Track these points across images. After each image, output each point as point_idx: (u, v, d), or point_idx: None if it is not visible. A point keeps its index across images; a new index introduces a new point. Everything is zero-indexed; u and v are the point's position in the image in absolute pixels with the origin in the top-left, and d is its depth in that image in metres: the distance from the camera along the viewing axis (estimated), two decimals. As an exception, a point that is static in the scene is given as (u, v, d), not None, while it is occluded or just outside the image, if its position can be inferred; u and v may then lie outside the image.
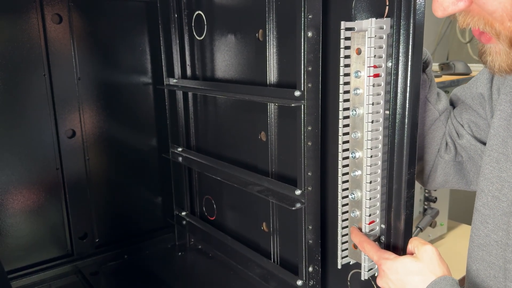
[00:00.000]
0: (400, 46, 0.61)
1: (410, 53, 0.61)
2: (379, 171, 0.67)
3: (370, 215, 0.68)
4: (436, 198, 1.37)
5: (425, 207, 1.39)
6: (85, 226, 1.19)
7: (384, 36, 0.63)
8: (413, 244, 0.63)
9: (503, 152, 0.61)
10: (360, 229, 0.70)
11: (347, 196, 0.72)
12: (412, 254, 0.63)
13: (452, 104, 0.79)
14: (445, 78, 1.65)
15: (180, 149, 1.16)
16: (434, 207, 1.38)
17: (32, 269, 1.12)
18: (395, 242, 0.67)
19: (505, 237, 0.60)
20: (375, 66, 0.63)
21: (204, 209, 1.21)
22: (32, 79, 1.06)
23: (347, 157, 0.70)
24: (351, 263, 0.76)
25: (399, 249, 0.66)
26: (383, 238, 0.70)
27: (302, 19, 0.71)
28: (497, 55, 0.51)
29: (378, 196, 0.68)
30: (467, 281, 0.69)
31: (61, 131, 1.11)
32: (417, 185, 0.70)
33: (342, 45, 0.65)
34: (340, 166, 0.70)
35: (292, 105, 0.75)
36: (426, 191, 1.39)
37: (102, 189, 1.21)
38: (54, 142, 1.11)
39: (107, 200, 1.22)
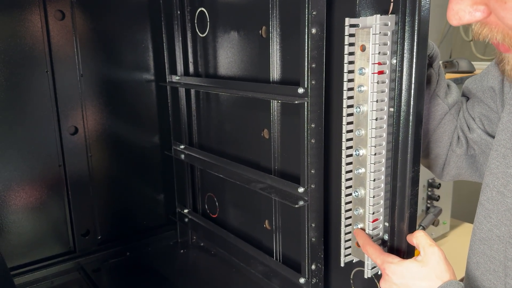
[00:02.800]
0: (405, 43, 0.61)
1: (415, 50, 0.60)
2: (383, 168, 0.67)
3: (373, 213, 0.68)
4: (439, 196, 1.37)
5: (428, 205, 1.38)
6: (87, 223, 1.19)
7: (389, 33, 0.63)
8: (420, 242, 0.62)
9: (510, 147, 0.60)
10: (364, 230, 0.70)
11: (350, 194, 0.72)
12: (415, 249, 0.62)
13: (465, 96, 0.78)
14: (449, 76, 1.64)
15: (182, 146, 1.16)
16: (437, 206, 1.37)
17: (34, 265, 1.12)
18: (398, 241, 0.67)
19: (507, 233, 0.60)
20: (379, 63, 0.63)
21: (206, 206, 1.21)
22: (35, 76, 1.05)
23: (350, 155, 0.70)
24: (354, 261, 0.75)
25: (403, 249, 0.66)
26: (386, 236, 0.69)
27: (306, 15, 0.71)
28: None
29: (382, 194, 0.68)
30: (466, 273, 0.69)
31: (63, 128, 1.11)
32: (420, 183, 0.70)
33: (346, 42, 0.65)
34: (343, 163, 0.70)
35: (296, 102, 0.75)
36: (429, 189, 1.38)
37: (105, 186, 1.21)
38: (56, 139, 1.11)
39: (110, 197, 1.22)
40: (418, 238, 0.62)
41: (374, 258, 0.65)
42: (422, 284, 0.58)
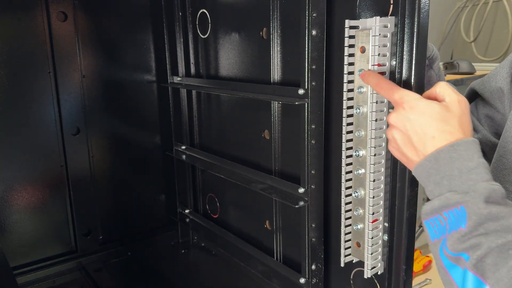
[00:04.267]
0: (404, 45, 0.61)
1: (414, 52, 0.61)
2: (383, 169, 0.68)
3: (373, 214, 0.69)
4: (439, 197, 1.37)
5: (428, 206, 1.39)
6: (89, 223, 1.19)
7: (389, 35, 0.63)
8: (444, 90, 0.54)
9: None
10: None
11: (350, 195, 0.72)
12: (435, 99, 0.55)
13: (469, 98, 0.79)
14: (449, 77, 1.65)
15: (183, 147, 1.17)
16: (437, 206, 1.37)
17: (36, 265, 1.12)
18: (398, 241, 0.67)
19: None
20: (379, 65, 0.63)
21: (207, 206, 1.21)
22: (37, 77, 1.06)
23: (350, 155, 0.70)
24: (354, 261, 0.76)
25: (403, 247, 0.66)
26: (386, 236, 0.70)
27: (306, 17, 0.71)
28: None
29: (382, 194, 0.69)
30: None
31: (65, 129, 1.11)
32: (421, 184, 0.70)
33: (346, 44, 0.65)
34: (343, 164, 0.70)
35: (296, 103, 0.75)
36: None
37: (106, 186, 1.21)
38: (58, 139, 1.11)
39: (111, 197, 1.23)
40: (442, 86, 0.55)
41: (391, 94, 0.57)
42: (441, 128, 0.51)
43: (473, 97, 0.77)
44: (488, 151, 0.73)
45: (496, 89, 0.70)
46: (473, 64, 1.77)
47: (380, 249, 0.70)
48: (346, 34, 0.65)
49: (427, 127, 0.52)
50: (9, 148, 1.05)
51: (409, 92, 0.55)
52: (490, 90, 0.72)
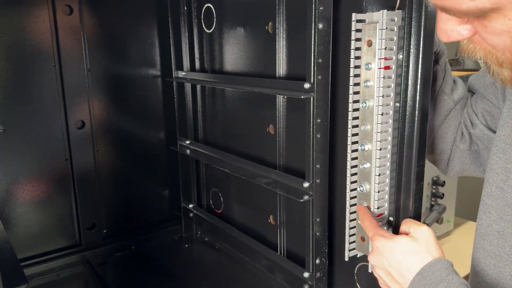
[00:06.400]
0: (411, 39, 0.61)
1: (421, 46, 0.61)
2: (388, 163, 0.68)
3: (378, 208, 0.69)
4: (443, 194, 1.37)
5: (432, 203, 1.39)
6: (93, 217, 1.20)
7: (395, 28, 0.63)
8: (408, 225, 0.63)
9: (509, 143, 0.61)
10: (369, 208, 0.71)
11: (355, 189, 0.72)
12: (405, 234, 0.63)
13: (470, 91, 0.79)
14: (454, 74, 1.64)
15: (188, 142, 1.17)
16: (441, 204, 1.37)
17: (41, 258, 1.13)
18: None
19: (508, 228, 0.60)
20: (385, 58, 0.63)
21: (211, 201, 1.21)
22: (43, 70, 1.06)
23: (356, 150, 0.70)
24: (358, 256, 0.76)
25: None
26: (391, 230, 0.70)
27: (313, 10, 0.71)
28: (500, 72, 0.52)
29: (387, 189, 0.69)
30: (470, 269, 0.69)
31: (70, 122, 1.12)
32: (425, 180, 0.70)
33: (353, 37, 0.65)
34: (349, 158, 0.70)
35: (302, 97, 0.75)
36: (434, 187, 1.38)
37: (111, 180, 1.22)
38: (63, 133, 1.12)
39: (115, 191, 1.23)
40: (406, 223, 0.64)
41: (367, 231, 0.66)
42: (412, 259, 0.59)
43: (473, 90, 0.77)
44: (486, 145, 0.73)
45: (489, 83, 0.71)
46: (478, 61, 1.76)
47: (384, 244, 0.70)
48: (353, 28, 0.65)
49: (400, 261, 0.60)
50: (14, 141, 1.05)
51: (381, 231, 0.64)
52: (485, 85, 0.72)
